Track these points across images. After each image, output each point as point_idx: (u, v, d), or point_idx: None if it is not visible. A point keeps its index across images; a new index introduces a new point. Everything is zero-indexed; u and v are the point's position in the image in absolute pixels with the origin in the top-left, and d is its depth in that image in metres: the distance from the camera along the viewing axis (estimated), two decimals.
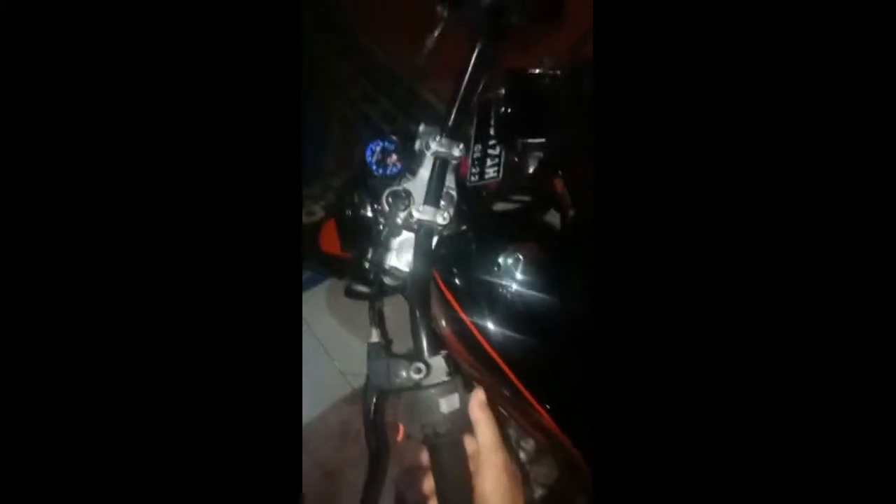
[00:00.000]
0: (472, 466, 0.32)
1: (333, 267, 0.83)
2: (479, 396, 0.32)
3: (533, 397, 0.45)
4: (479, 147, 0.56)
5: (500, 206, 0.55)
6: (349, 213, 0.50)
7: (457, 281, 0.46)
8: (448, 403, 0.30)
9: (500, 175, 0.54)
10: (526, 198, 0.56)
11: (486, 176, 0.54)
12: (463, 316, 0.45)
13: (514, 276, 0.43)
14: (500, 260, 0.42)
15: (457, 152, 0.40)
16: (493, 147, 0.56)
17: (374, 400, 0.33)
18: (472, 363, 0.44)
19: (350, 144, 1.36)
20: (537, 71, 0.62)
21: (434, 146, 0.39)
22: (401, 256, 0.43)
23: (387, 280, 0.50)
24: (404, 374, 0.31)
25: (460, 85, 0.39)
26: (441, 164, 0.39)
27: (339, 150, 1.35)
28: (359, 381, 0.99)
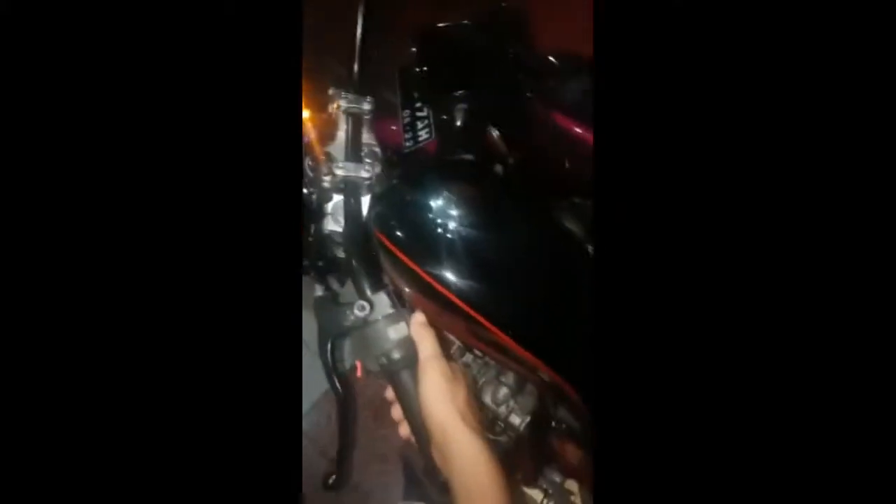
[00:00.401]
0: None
1: None
2: (418, 318, 0.34)
3: (495, 326, 0.47)
4: (407, 112, 0.57)
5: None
6: None
7: (397, 233, 0.48)
8: (396, 331, 0.33)
9: (433, 135, 0.55)
10: (467, 155, 0.58)
11: (420, 139, 0.55)
12: (411, 264, 0.47)
13: (448, 214, 0.45)
14: (432, 202, 0.44)
15: (366, 106, 0.42)
16: (421, 109, 0.57)
17: (329, 346, 0.35)
18: (436, 311, 0.46)
19: None
20: (444, 24, 0.63)
21: (344, 103, 0.40)
22: (337, 220, 0.45)
23: (337, 253, 0.52)
24: (351, 316, 0.33)
25: (354, 37, 0.40)
26: (354, 120, 0.41)
27: None
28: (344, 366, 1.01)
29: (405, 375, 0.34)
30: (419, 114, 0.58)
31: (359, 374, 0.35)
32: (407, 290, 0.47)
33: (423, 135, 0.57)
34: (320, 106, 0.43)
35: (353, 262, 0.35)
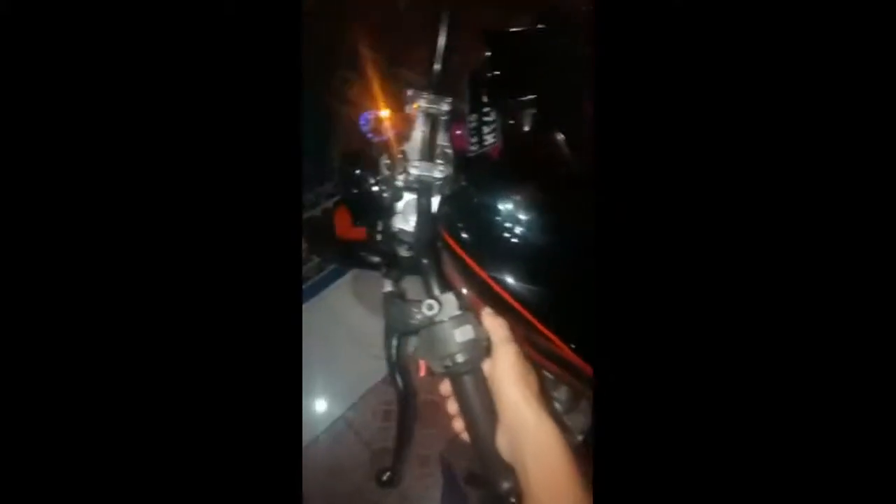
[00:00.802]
0: (489, 374, 0.34)
1: (352, 253, 0.87)
2: (489, 309, 0.34)
3: (556, 336, 0.46)
4: (474, 116, 0.57)
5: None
6: (354, 189, 0.52)
7: (464, 235, 0.48)
8: (462, 333, 0.32)
9: (499, 139, 0.55)
10: (531, 160, 0.57)
11: (486, 143, 0.55)
12: (476, 268, 0.47)
13: (517, 219, 0.44)
14: (500, 206, 0.44)
15: (445, 107, 0.42)
16: (488, 114, 0.57)
17: (395, 343, 0.35)
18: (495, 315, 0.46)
19: (350, 139, 1.39)
20: (517, 29, 0.62)
21: (423, 104, 0.41)
22: (407, 218, 0.45)
23: (402, 251, 0.53)
24: (418, 314, 0.34)
25: (438, 42, 0.41)
26: (432, 121, 0.41)
27: (341, 146, 1.39)
28: None
29: (467, 379, 0.33)
30: (486, 118, 0.58)
31: (422, 373, 0.35)
32: (469, 291, 0.46)
33: (488, 139, 0.56)
34: (399, 105, 0.44)
35: (424, 260, 0.36)
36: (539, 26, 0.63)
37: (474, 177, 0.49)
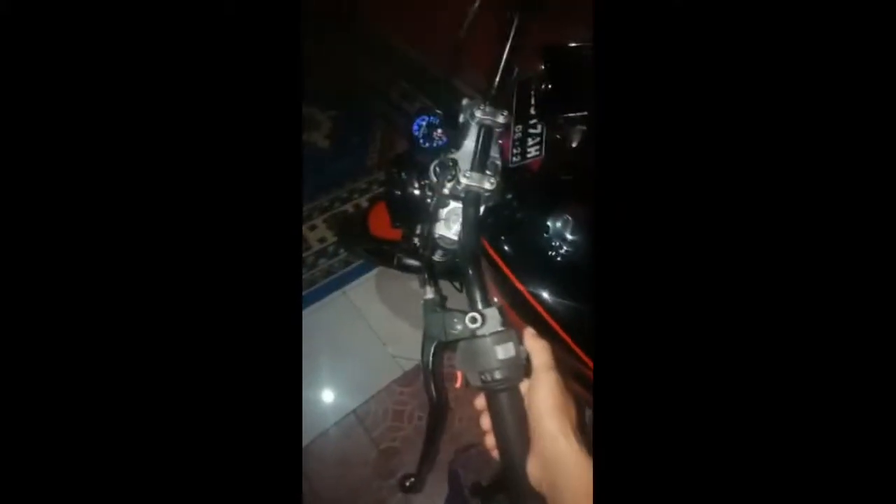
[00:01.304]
0: (526, 400, 0.33)
1: (383, 252, 0.87)
2: (531, 330, 0.33)
3: (588, 356, 0.45)
4: (519, 128, 0.56)
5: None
6: (398, 191, 0.52)
7: (506, 248, 0.47)
8: (504, 351, 0.32)
9: (543, 153, 0.55)
10: (568, 176, 0.56)
11: (528, 155, 0.55)
12: (516, 282, 0.47)
13: (564, 237, 0.43)
14: (550, 223, 0.43)
15: (501, 119, 0.42)
16: (535, 126, 0.56)
17: (433, 351, 0.35)
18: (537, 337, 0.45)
19: (392, 141, 1.41)
20: (575, 44, 0.61)
21: (479, 114, 0.41)
22: (449, 226, 0.45)
23: (436, 256, 0.53)
24: (459, 325, 0.33)
25: (501, 55, 0.41)
26: (486, 132, 0.41)
27: (382, 147, 1.41)
28: (410, 365, 1.02)
29: (504, 397, 0.32)
30: (532, 130, 0.57)
31: (458, 384, 0.34)
32: (501, 302, 0.46)
33: (531, 151, 0.56)
34: (454, 113, 0.44)
35: (469, 271, 0.35)
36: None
37: (520, 190, 0.48)
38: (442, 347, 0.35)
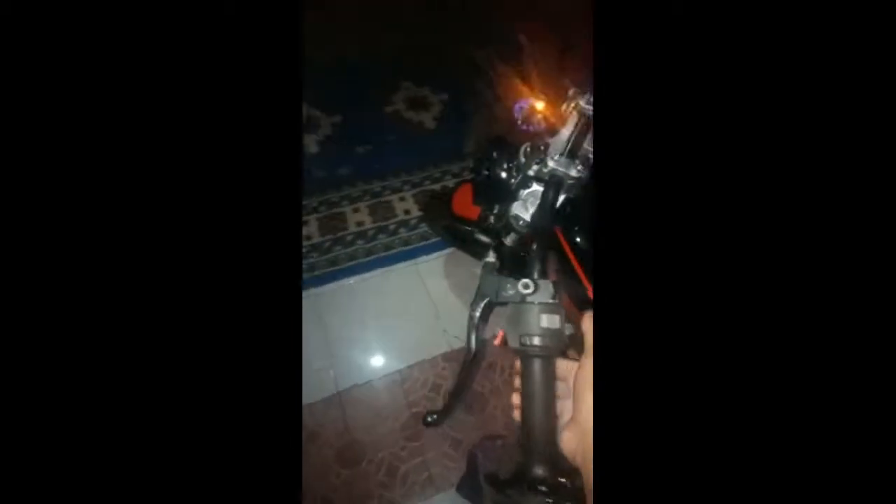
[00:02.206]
0: (561, 389, 0.35)
1: (459, 232, 0.92)
2: (591, 314, 0.34)
3: None
4: None
5: None
6: (486, 170, 0.55)
7: (578, 241, 0.48)
8: (549, 320, 0.33)
9: None
10: None
11: None
12: (582, 277, 0.47)
13: None
14: None
15: None
16: None
17: (482, 306, 0.38)
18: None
19: (491, 132, 1.45)
20: None
21: (582, 103, 0.42)
22: (527, 207, 0.47)
23: (507, 240, 0.55)
24: (512, 290, 0.35)
25: None
26: (584, 122, 0.42)
27: (478, 132, 1.45)
28: (458, 343, 1.06)
29: (537, 363, 0.34)
30: None
31: (497, 342, 0.37)
32: (561, 286, 0.47)
33: None
34: (557, 101, 0.45)
35: (533, 245, 0.37)
36: None
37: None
38: (491, 306, 0.38)
